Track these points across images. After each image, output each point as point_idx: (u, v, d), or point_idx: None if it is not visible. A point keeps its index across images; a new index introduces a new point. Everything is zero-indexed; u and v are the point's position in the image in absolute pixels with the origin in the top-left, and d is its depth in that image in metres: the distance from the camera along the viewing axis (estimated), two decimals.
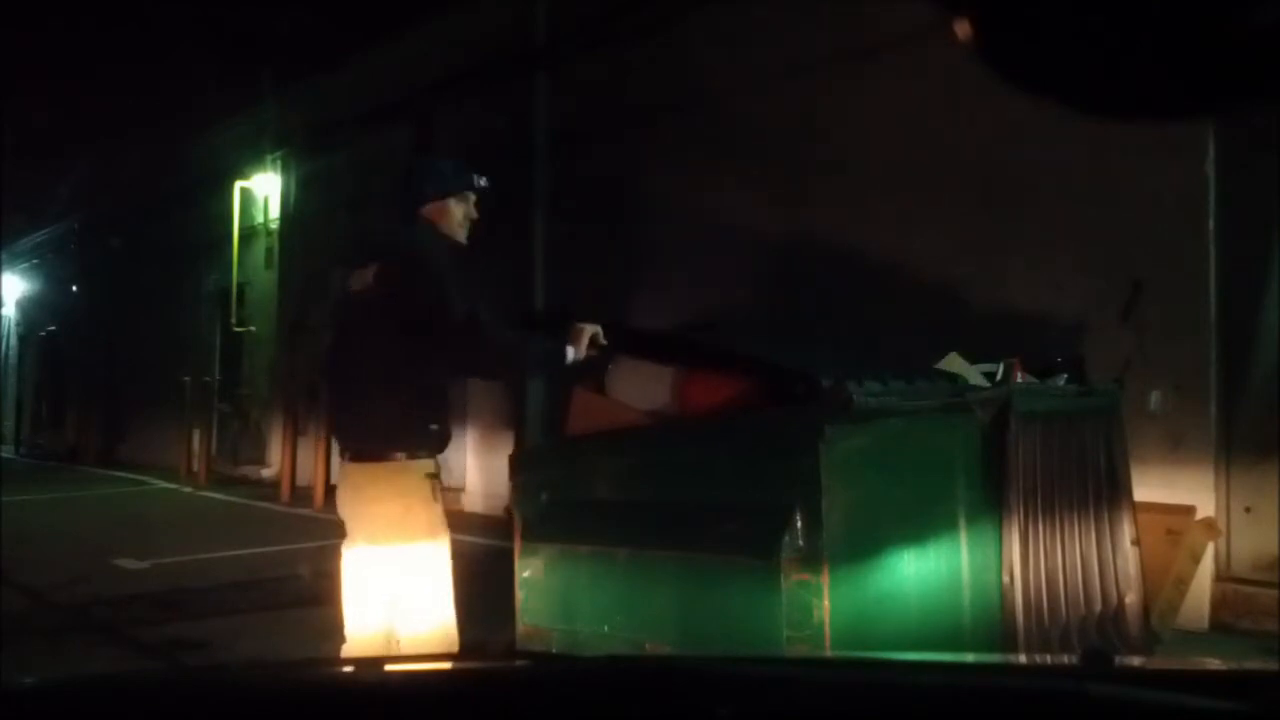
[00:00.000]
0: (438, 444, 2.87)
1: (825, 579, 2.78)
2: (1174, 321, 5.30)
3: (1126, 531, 3.92)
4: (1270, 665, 2.13)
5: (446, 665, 1.36)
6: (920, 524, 3.16)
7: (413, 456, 2.80)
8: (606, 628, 3.20)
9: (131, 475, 14.18)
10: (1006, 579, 3.35)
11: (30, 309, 22.13)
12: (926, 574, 3.13)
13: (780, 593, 2.80)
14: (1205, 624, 4.97)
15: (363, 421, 2.87)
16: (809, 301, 6.83)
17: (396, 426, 2.82)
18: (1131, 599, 3.89)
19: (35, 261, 21.47)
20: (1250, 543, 5.10)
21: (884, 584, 3.01)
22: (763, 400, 3.18)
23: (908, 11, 5.67)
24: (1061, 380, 4.02)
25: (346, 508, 2.89)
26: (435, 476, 2.84)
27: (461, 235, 3.14)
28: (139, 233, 16.74)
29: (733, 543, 2.93)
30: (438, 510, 2.84)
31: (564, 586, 3.35)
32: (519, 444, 8.24)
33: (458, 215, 3.12)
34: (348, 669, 1.33)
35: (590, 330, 3.03)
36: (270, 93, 13.74)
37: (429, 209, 3.07)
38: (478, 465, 9.80)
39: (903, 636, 3.02)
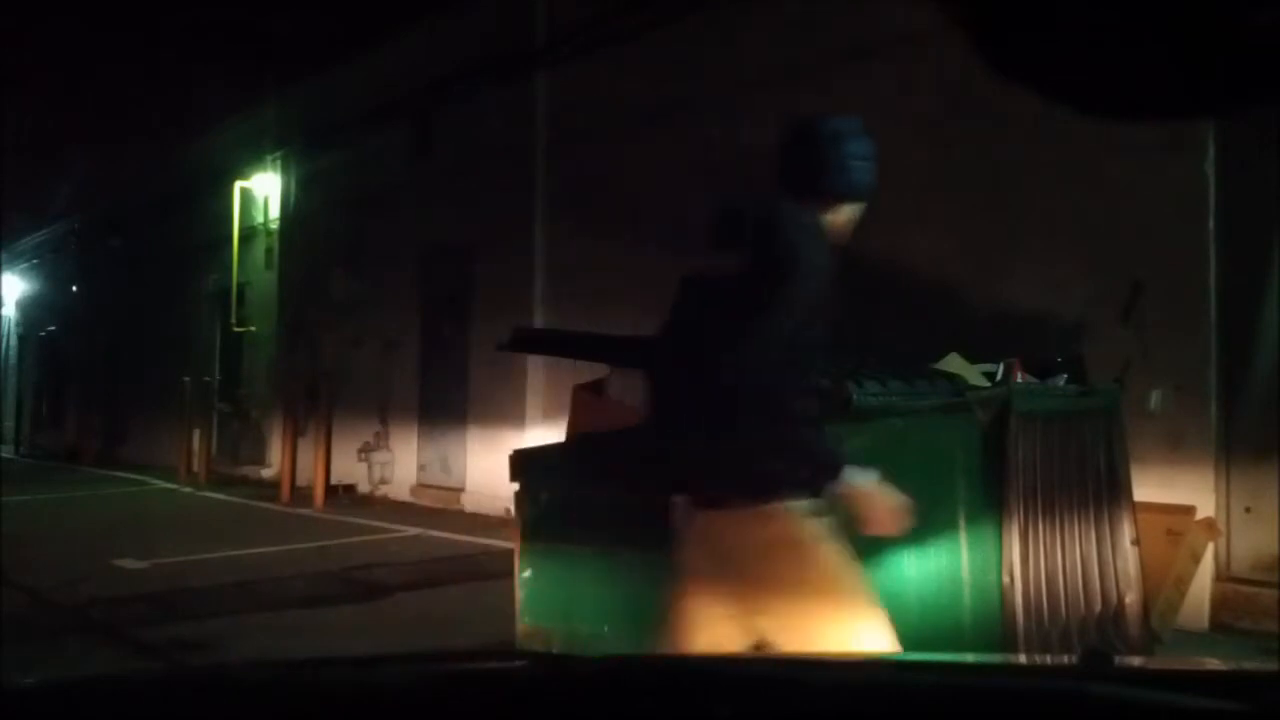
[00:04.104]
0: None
1: None
2: (1174, 321, 5.30)
3: (1126, 531, 3.92)
4: (1270, 665, 2.13)
5: (447, 665, 1.35)
6: (920, 524, 3.16)
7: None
8: (606, 628, 3.20)
9: (131, 475, 14.17)
10: (1006, 579, 3.35)
11: (30, 309, 22.14)
12: (926, 574, 3.14)
13: None
14: (1205, 624, 4.97)
15: None
16: None
17: None
18: (1131, 599, 3.89)
19: (35, 261, 21.48)
20: (1250, 543, 5.10)
21: (884, 584, 3.01)
22: None
23: (908, 12, 5.67)
24: (1061, 380, 4.02)
25: None
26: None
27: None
28: (139, 233, 16.75)
29: None
30: None
31: (564, 586, 3.35)
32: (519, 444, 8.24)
33: (841, 225, 2.45)
34: (348, 669, 1.33)
35: None
36: (270, 93, 13.75)
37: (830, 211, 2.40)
38: (478, 465, 9.80)
39: (903, 636, 3.01)
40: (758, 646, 2.22)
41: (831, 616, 2.22)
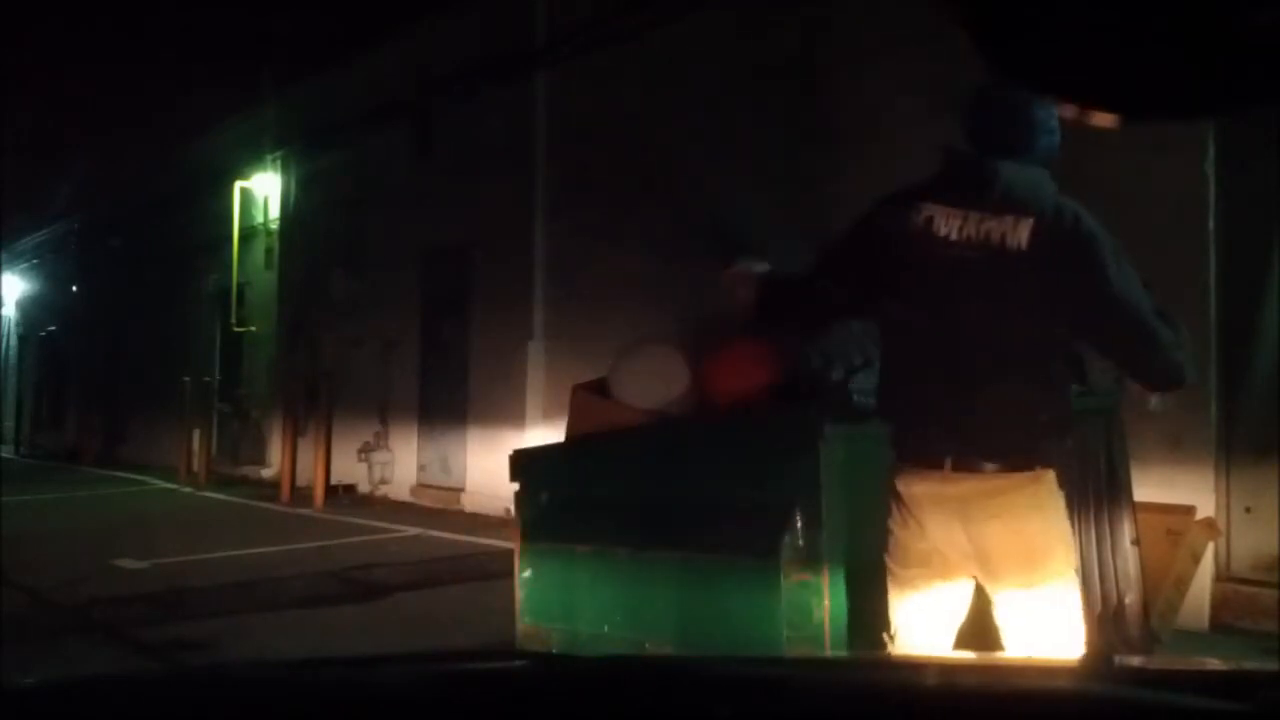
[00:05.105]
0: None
1: (825, 579, 2.78)
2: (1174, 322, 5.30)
3: (1126, 531, 3.92)
4: (1270, 665, 2.13)
5: (447, 665, 1.35)
6: None
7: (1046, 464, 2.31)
8: (606, 628, 3.20)
9: (131, 475, 14.18)
10: None
11: (30, 309, 22.14)
12: None
13: (780, 593, 2.80)
14: (1205, 624, 4.97)
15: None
16: None
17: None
18: (1131, 599, 3.88)
19: (35, 261, 21.48)
20: (1250, 543, 5.10)
21: (884, 584, 3.01)
22: (767, 397, 3.18)
23: (909, 12, 5.67)
24: None
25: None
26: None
27: None
28: (139, 233, 16.75)
29: (733, 543, 2.93)
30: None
31: (564, 586, 3.35)
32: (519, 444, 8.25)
33: None
34: (348, 669, 1.33)
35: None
36: (270, 93, 13.75)
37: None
38: (478, 465, 9.80)
39: None
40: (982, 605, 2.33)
41: (1058, 579, 2.27)
